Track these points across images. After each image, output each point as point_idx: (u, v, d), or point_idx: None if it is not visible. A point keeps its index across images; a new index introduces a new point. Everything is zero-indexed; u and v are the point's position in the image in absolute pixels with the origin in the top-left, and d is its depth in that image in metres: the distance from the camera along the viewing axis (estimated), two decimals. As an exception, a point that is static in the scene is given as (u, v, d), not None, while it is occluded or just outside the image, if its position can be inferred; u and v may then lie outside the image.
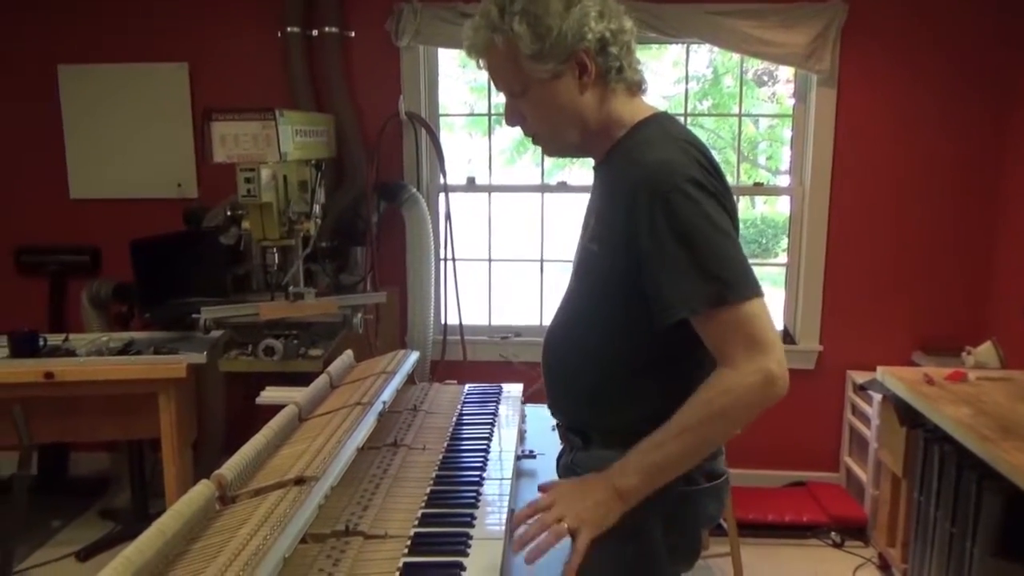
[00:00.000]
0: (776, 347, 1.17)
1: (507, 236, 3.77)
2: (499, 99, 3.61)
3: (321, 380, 1.86)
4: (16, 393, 2.60)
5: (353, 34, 3.33)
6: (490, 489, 1.47)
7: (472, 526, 1.31)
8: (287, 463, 1.38)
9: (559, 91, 1.26)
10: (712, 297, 1.16)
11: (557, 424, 1.47)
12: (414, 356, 2.09)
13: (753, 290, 1.17)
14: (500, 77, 1.31)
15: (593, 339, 1.29)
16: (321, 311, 2.85)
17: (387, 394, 1.73)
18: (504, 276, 3.71)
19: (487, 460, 1.59)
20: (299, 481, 1.28)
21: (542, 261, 3.60)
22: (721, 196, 1.21)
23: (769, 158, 6.90)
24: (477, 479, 1.49)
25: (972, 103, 3.23)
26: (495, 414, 1.89)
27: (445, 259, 3.47)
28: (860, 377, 3.29)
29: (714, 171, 1.24)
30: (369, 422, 1.56)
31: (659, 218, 1.17)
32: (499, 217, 3.63)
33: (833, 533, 3.15)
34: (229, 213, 2.91)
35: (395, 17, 3.24)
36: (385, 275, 3.42)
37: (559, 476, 1.47)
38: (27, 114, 3.51)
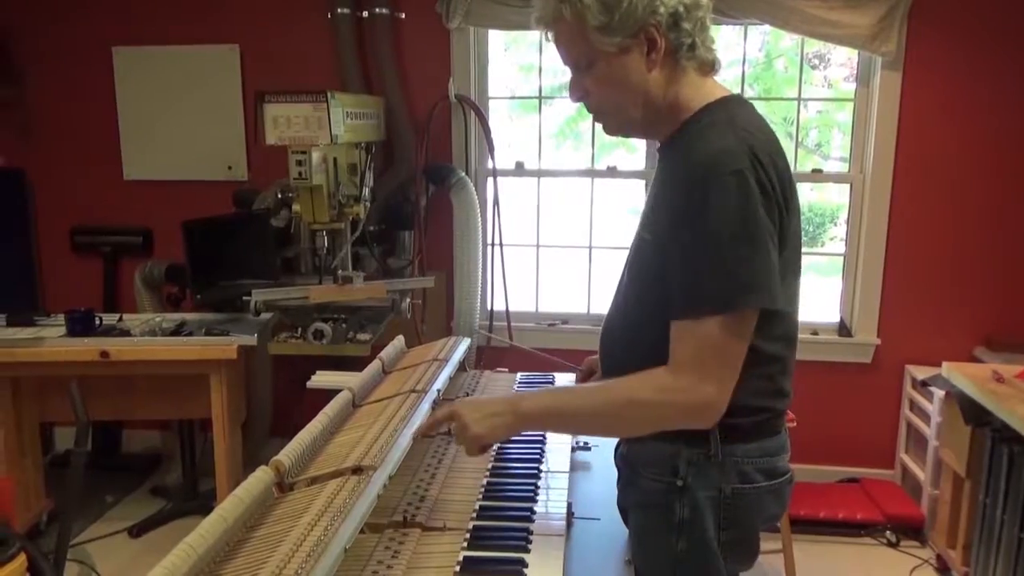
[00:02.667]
0: (726, 378, 1.14)
1: (555, 221, 3.71)
2: (549, 81, 3.57)
3: (374, 366, 1.84)
4: (73, 371, 2.64)
5: (403, 15, 3.30)
6: (547, 483, 1.44)
7: (532, 520, 1.28)
8: (343, 451, 1.36)
9: (626, 66, 1.21)
10: (690, 304, 1.14)
11: None
12: (465, 343, 2.07)
13: (738, 303, 1.12)
14: (566, 50, 1.26)
15: (647, 328, 1.24)
16: (370, 295, 2.84)
17: (441, 382, 1.70)
18: (552, 262, 3.66)
19: (543, 452, 1.56)
20: (356, 470, 1.26)
21: (591, 248, 3.55)
22: (770, 191, 1.15)
23: (819, 145, 6.70)
24: (534, 471, 1.46)
25: (1048, 87, 3.07)
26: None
27: (493, 244, 3.44)
28: (919, 372, 3.18)
29: (771, 164, 1.17)
30: (424, 410, 1.54)
31: (692, 208, 1.13)
32: (548, 202, 3.58)
33: (888, 532, 3.06)
34: (280, 196, 2.91)
35: (445, -2, 3.19)
36: (432, 260, 3.40)
37: (616, 466, 1.44)
38: (83, 96, 3.56)
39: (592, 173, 3.49)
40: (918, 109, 3.16)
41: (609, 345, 1.37)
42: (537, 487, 1.41)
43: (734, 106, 1.25)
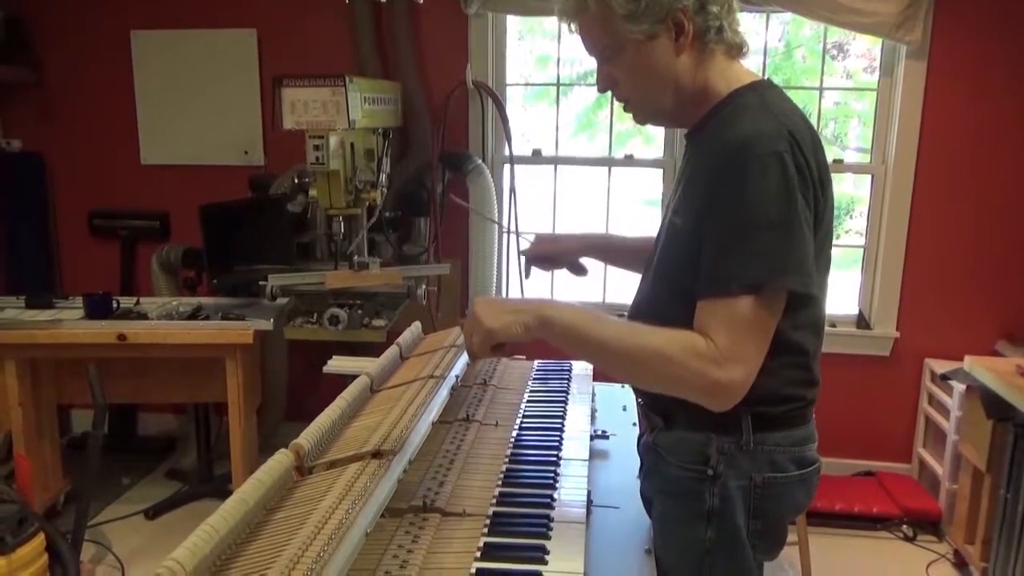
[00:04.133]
0: (753, 360, 1.11)
1: (572, 209, 3.69)
2: (566, 70, 3.53)
3: (391, 352, 1.83)
4: (90, 354, 2.66)
5: (421, 0, 3.27)
6: (567, 470, 1.43)
7: (552, 508, 1.27)
8: (362, 435, 1.35)
9: (654, 53, 1.19)
10: (722, 283, 1.11)
11: (639, 403, 1.42)
12: (483, 330, 2.05)
13: (771, 283, 1.10)
14: (591, 40, 1.24)
15: (679, 314, 1.21)
16: (385, 281, 2.83)
17: (459, 368, 1.69)
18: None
19: (562, 439, 1.55)
20: (376, 454, 1.25)
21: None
22: (807, 175, 1.13)
23: (837, 136, 6.63)
24: (554, 459, 1.45)
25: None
26: (567, 391, 1.85)
27: (508, 232, 3.42)
28: (939, 366, 3.14)
29: (810, 148, 1.15)
30: (443, 396, 1.53)
31: (728, 189, 1.11)
32: (564, 190, 3.55)
33: (905, 526, 3.04)
34: (296, 180, 2.90)
35: (464, -17, 3.16)
36: (448, 247, 3.39)
37: (640, 455, 1.43)
38: (101, 79, 3.57)
39: (609, 162, 3.47)
40: (942, 100, 3.11)
41: (636, 321, 1.35)
42: (557, 474, 1.40)
43: (765, 90, 1.23)
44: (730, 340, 1.10)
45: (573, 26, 1.26)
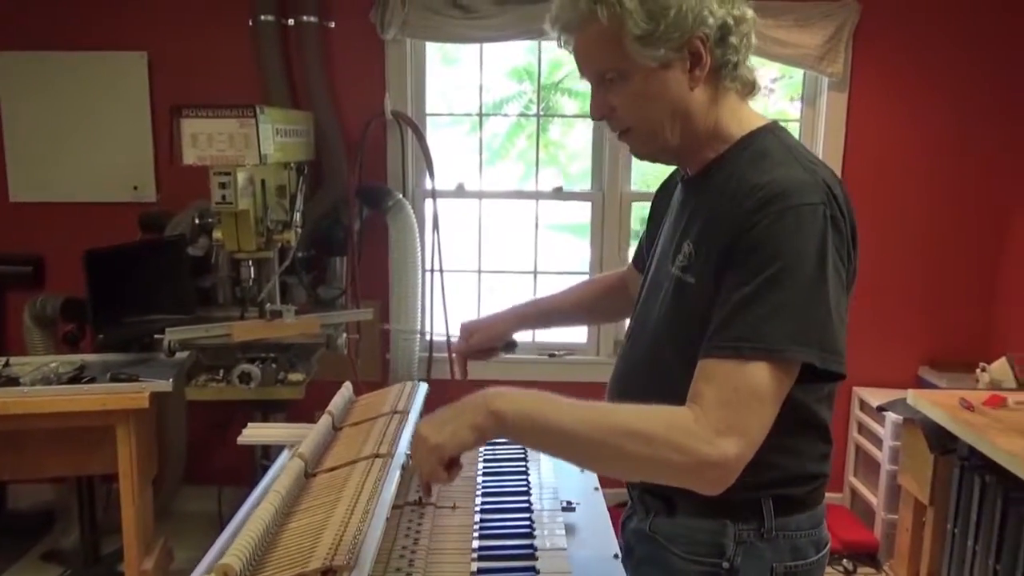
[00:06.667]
0: (754, 437, 0.96)
1: (498, 245, 3.53)
2: (488, 97, 3.39)
3: (323, 423, 1.58)
4: (-53, 428, 2.25)
5: (333, 24, 3.05)
6: (545, 564, 1.23)
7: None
8: (304, 543, 1.11)
9: (665, 83, 1.05)
10: (734, 343, 0.97)
11: (630, 485, 1.24)
12: (423, 390, 1.83)
13: (791, 352, 0.96)
14: (593, 59, 1.08)
15: (682, 377, 1.04)
16: (302, 331, 2.56)
17: (407, 442, 1.47)
18: (495, 288, 3.47)
19: (533, 526, 1.35)
20: (326, 573, 1.02)
21: (536, 272, 3.37)
22: (843, 228, 1.02)
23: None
24: (530, 551, 1.24)
25: (986, 108, 3.11)
26: (525, 455, 1.65)
27: (432, 270, 3.21)
28: (867, 394, 3.15)
29: (843, 198, 1.05)
30: (394, 480, 1.30)
31: (754, 243, 0.98)
32: (487, 220, 3.38)
33: (845, 560, 3.00)
34: (198, 221, 2.60)
35: (380, 6, 2.96)
36: (366, 288, 3.14)
37: (626, 539, 1.26)
38: (-41, 106, 3.13)
39: (537, 195, 3.33)
40: (863, 131, 3.15)
41: (628, 391, 1.17)
42: (537, 571, 1.20)
43: (781, 133, 1.12)
44: (729, 409, 0.95)
45: (569, 40, 1.09)
